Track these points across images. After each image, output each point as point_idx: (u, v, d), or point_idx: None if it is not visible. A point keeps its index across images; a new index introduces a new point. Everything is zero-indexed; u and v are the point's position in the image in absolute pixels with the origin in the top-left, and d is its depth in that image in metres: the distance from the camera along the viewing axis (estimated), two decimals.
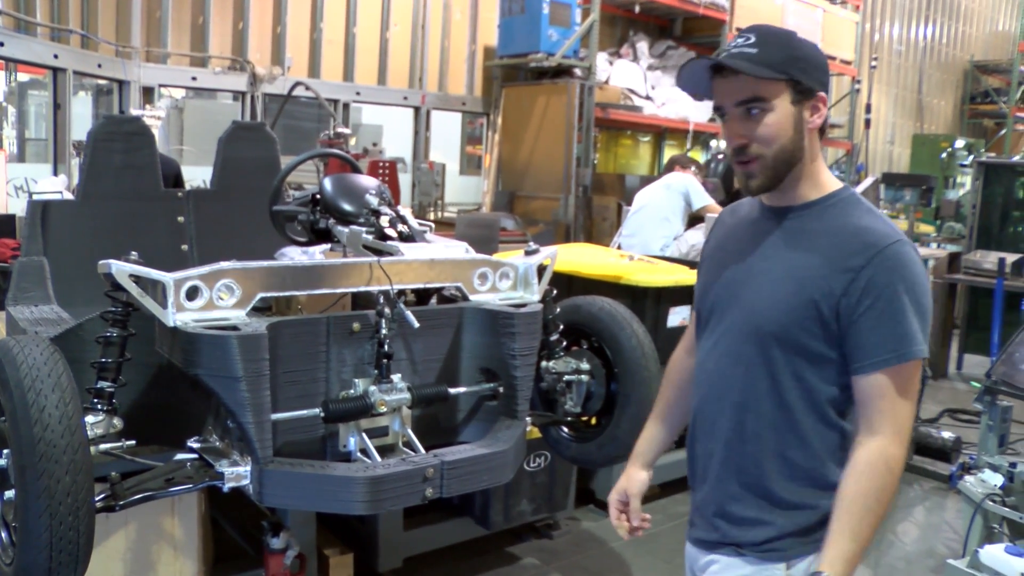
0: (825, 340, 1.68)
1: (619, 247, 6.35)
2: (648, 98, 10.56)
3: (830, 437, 1.73)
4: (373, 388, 2.20)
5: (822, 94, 1.71)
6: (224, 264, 2.10)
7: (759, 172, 1.71)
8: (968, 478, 3.87)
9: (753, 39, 1.67)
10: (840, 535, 1.63)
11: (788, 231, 1.75)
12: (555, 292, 2.76)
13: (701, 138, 11.46)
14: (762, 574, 1.75)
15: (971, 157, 11.34)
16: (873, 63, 14.17)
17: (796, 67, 1.67)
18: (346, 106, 9.60)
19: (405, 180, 9.55)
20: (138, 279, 2.09)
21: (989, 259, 7.90)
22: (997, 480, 3.72)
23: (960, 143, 14.24)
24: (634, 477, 2.10)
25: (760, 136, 1.68)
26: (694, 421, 1.92)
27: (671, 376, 2.12)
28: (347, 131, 7.21)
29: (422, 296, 2.60)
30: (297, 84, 8.37)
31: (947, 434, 5.74)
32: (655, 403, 2.17)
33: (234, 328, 2.02)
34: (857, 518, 1.62)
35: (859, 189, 5.73)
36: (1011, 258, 7.69)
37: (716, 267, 1.88)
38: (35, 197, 4.24)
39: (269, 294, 2.17)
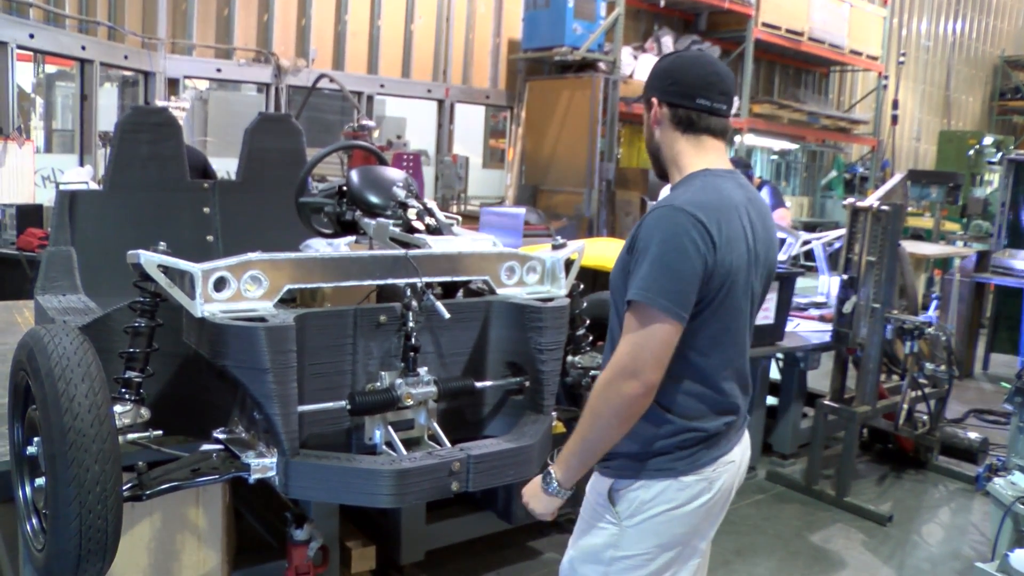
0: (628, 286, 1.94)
1: None
2: None
3: None
4: (399, 381, 2.19)
5: (652, 98, 2.09)
6: (252, 255, 2.09)
7: None
8: (997, 480, 3.82)
9: None
10: (565, 445, 2.01)
11: None
12: (582, 287, 2.74)
13: (727, 134, 11.38)
14: (597, 484, 2.08)
15: (1000, 154, 11.18)
16: (901, 59, 14.01)
17: (647, 83, 2.12)
18: (370, 98, 9.61)
19: (428, 173, 9.56)
20: (166, 269, 2.09)
21: (1019, 258, 7.80)
22: None
23: (988, 140, 14.03)
24: None
25: None
26: None
27: None
28: (371, 123, 7.23)
29: (448, 289, 2.59)
30: (322, 76, 8.38)
31: (973, 435, 5.67)
32: None
33: (262, 320, 2.02)
34: (574, 433, 1.98)
35: (887, 186, 5.64)
36: None
37: None
38: (62, 187, 4.27)
39: (297, 286, 2.16)
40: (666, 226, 1.87)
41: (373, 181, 2.72)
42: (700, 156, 2.06)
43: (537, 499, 2.06)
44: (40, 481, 1.96)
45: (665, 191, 3.66)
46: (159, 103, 7.54)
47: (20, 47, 6.89)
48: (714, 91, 2.04)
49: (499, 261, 2.44)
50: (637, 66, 10.46)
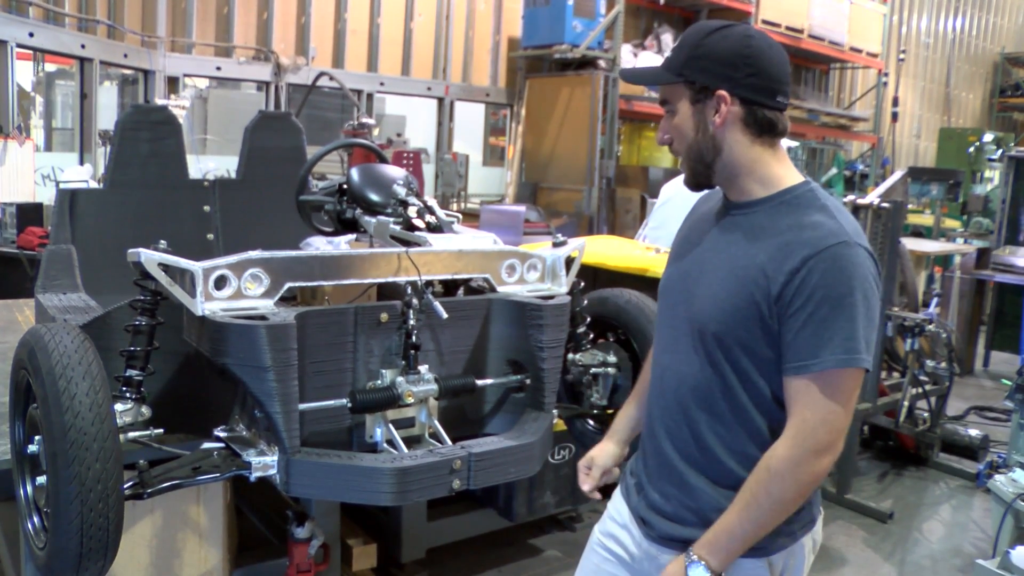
0: (766, 340, 1.65)
1: (644, 239, 6.30)
2: None
3: (780, 431, 1.71)
4: (400, 379, 2.19)
5: (721, 92, 1.65)
6: (252, 253, 2.09)
7: (683, 166, 1.76)
8: (998, 477, 3.82)
9: (678, 43, 1.72)
10: (718, 525, 1.69)
11: (737, 227, 1.73)
12: (583, 284, 2.73)
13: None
14: (752, 572, 1.75)
15: (1000, 151, 11.18)
16: (901, 56, 13.99)
17: (695, 67, 1.66)
18: (370, 96, 9.61)
19: (428, 171, 9.55)
20: (167, 268, 2.09)
21: (1019, 255, 7.81)
22: None
23: (989, 137, 14.02)
24: (605, 449, 2.17)
25: (674, 135, 1.75)
26: (649, 417, 1.93)
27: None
28: (371, 121, 7.22)
29: (449, 287, 2.58)
30: (321, 74, 8.38)
31: (974, 432, 5.67)
32: (635, 386, 2.19)
33: (262, 318, 2.02)
34: (735, 514, 1.67)
35: (887, 183, 5.64)
36: None
37: (678, 257, 1.88)
38: (62, 186, 4.27)
39: (297, 284, 2.16)
40: (850, 268, 1.56)
41: (373, 179, 2.71)
42: (784, 165, 1.72)
43: None
44: (41, 479, 1.95)
45: (668, 189, 3.40)
46: (159, 101, 7.53)
47: (20, 46, 6.88)
48: (788, 83, 1.71)
49: (500, 259, 2.44)
50: (637, 64, 10.44)
